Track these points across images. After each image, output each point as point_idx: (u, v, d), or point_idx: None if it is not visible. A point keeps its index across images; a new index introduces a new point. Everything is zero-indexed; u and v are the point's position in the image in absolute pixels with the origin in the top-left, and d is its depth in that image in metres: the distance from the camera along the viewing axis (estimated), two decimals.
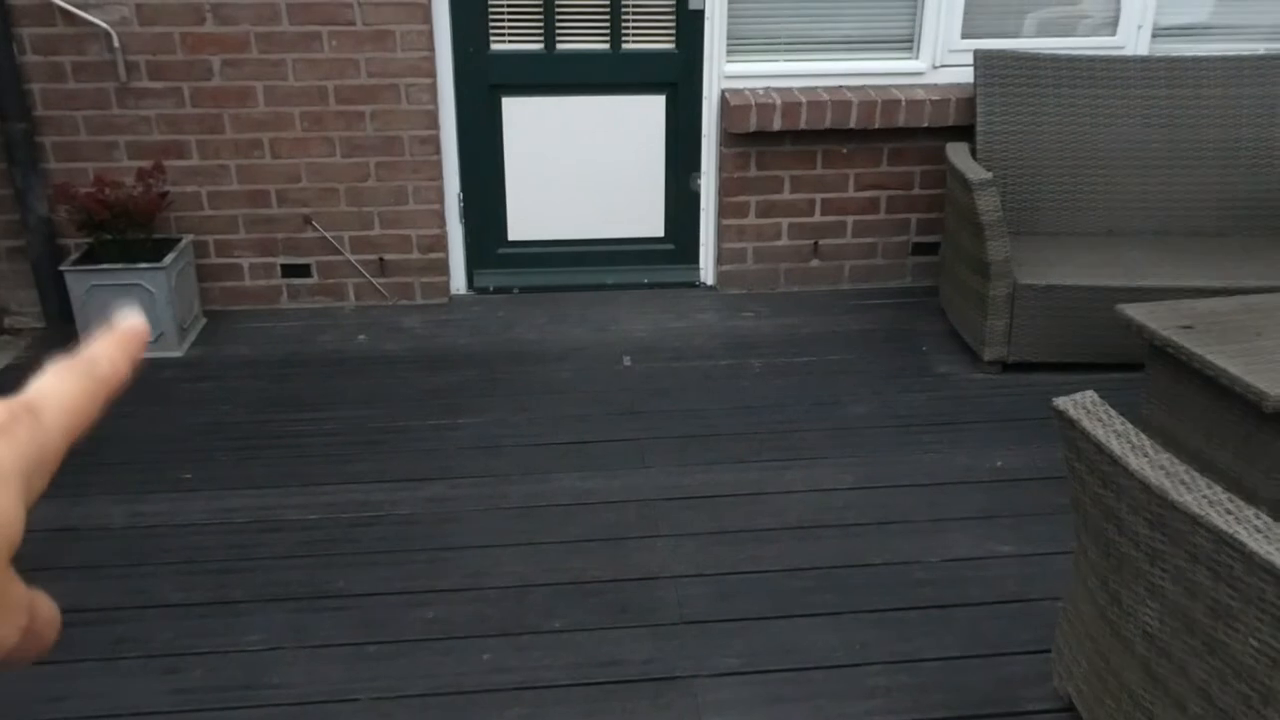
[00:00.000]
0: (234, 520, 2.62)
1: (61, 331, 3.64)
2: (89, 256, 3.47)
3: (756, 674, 2.11)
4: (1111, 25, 3.89)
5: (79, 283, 3.41)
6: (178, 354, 3.52)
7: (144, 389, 3.28)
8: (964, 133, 3.72)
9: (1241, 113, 3.60)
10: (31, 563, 0.36)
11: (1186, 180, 3.62)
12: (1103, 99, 3.61)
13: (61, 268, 3.46)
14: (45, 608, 0.37)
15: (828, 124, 3.73)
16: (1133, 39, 3.88)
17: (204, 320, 3.78)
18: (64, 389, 0.37)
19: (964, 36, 3.82)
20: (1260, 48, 3.88)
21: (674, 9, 3.76)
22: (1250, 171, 3.61)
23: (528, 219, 3.99)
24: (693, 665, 2.13)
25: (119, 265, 3.40)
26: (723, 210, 3.95)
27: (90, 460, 2.83)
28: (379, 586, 2.38)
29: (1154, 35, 3.89)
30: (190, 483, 2.79)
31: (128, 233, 3.42)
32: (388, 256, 3.89)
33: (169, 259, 3.45)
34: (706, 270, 4.11)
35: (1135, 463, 1.47)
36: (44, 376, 0.37)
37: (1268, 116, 3.60)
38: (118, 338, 0.40)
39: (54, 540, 2.52)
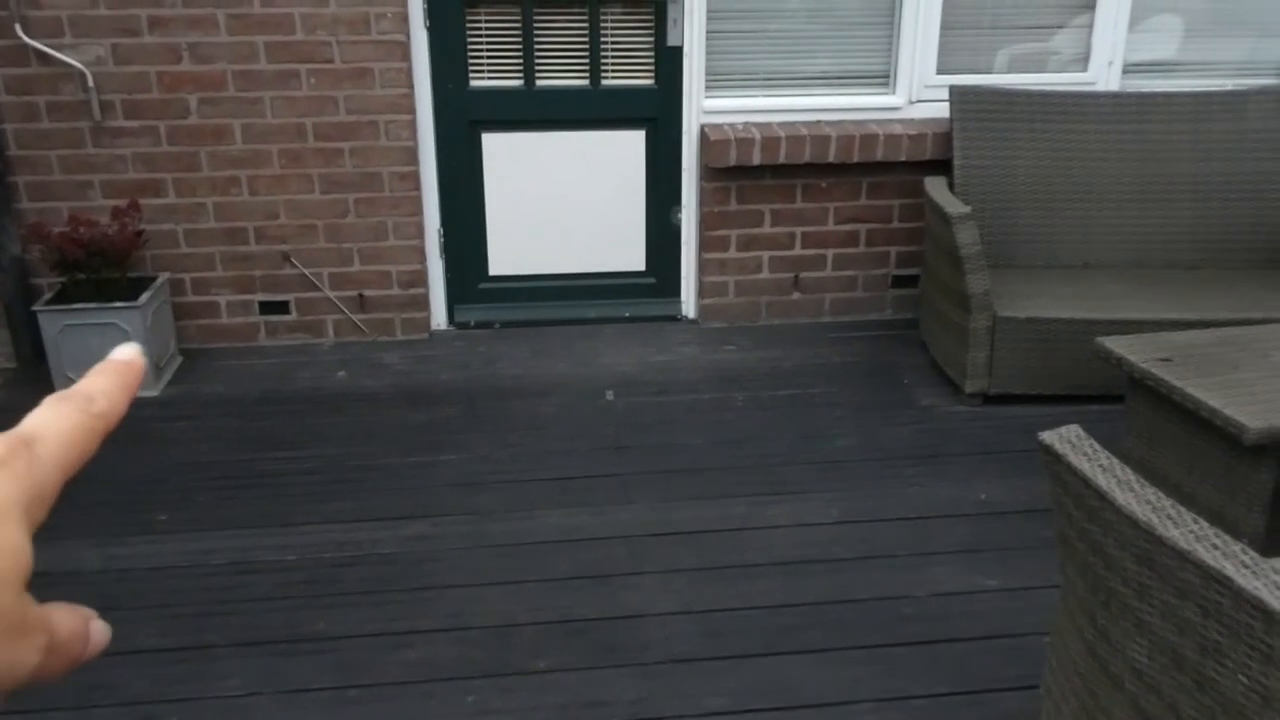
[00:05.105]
0: (211, 562, 2.58)
1: (34, 372, 3.59)
2: (62, 296, 3.42)
3: (746, 713, 2.09)
4: (1083, 61, 3.96)
5: (52, 323, 3.37)
6: (154, 393, 3.47)
7: (118, 429, 3.22)
8: (941, 167, 3.76)
9: (1211, 147, 3.65)
10: None
11: (1160, 214, 3.67)
12: (1076, 134, 3.65)
13: (34, 307, 3.41)
14: (65, 622, 0.37)
15: (807, 158, 3.76)
16: (1103, 75, 3.94)
17: (180, 359, 3.74)
18: (59, 424, 0.37)
19: (939, 72, 3.87)
20: (1228, 83, 3.96)
21: (653, 45, 3.79)
22: (1222, 205, 3.66)
23: (509, 254, 3.98)
24: (681, 705, 2.11)
25: (93, 305, 3.36)
26: (704, 244, 3.96)
27: (63, 502, 2.74)
28: (360, 628, 2.34)
29: (1124, 71, 3.96)
30: (166, 524, 2.74)
31: (102, 272, 3.38)
32: (367, 293, 3.87)
33: (144, 298, 3.41)
34: (688, 304, 4.11)
35: (1122, 497, 1.46)
36: (38, 410, 0.38)
37: (1236, 151, 3.65)
38: (112, 370, 0.40)
39: None
